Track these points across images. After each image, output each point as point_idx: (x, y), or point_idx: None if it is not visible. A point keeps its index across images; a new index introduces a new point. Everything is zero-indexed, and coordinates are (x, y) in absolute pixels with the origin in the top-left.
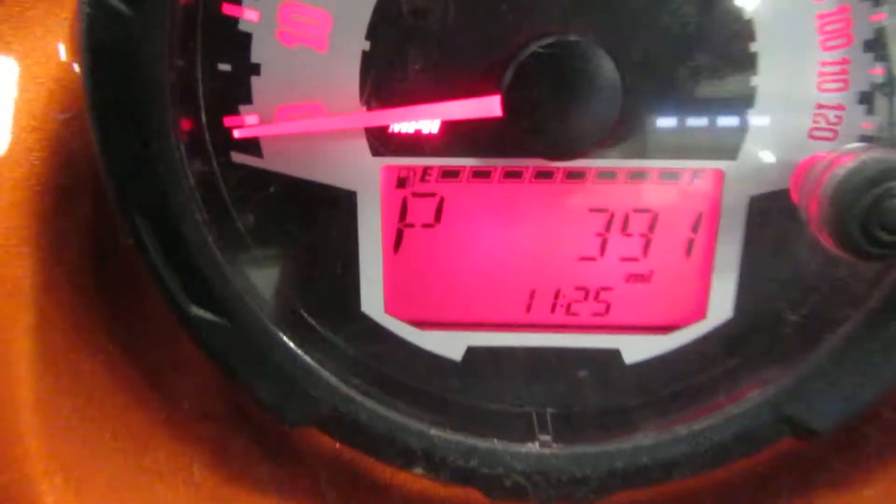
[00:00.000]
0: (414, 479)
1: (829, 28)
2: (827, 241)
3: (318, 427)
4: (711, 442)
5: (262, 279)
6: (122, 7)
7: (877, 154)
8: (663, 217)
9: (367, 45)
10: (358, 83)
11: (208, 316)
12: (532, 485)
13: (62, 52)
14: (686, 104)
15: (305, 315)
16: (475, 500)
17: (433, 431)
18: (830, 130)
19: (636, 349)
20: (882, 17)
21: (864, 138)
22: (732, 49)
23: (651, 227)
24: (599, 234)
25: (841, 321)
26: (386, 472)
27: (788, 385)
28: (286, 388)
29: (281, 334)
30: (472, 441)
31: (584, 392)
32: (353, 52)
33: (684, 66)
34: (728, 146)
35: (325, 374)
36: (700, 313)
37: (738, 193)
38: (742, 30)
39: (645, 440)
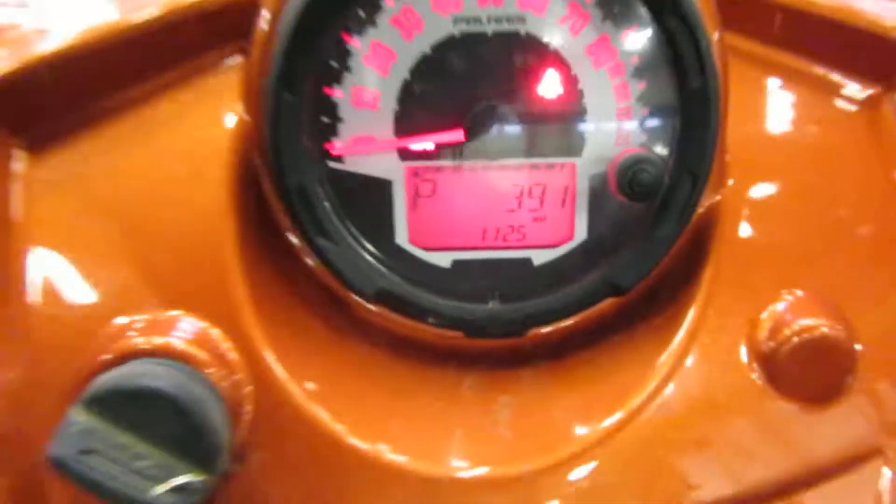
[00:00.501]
0: (426, 328)
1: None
2: (620, 196)
3: (377, 299)
4: (572, 299)
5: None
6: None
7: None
8: (549, 188)
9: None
10: (393, 117)
11: (325, 242)
12: (488, 325)
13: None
14: (554, 130)
15: (368, 244)
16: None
17: (439, 300)
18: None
19: (539, 257)
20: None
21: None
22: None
23: (542, 193)
24: (517, 197)
25: (635, 235)
26: (408, 325)
27: (611, 264)
28: (365, 278)
29: (361, 250)
30: (458, 305)
31: (514, 281)
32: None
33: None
34: (577, 148)
35: (383, 269)
36: (570, 236)
37: (584, 174)
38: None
39: (541, 302)
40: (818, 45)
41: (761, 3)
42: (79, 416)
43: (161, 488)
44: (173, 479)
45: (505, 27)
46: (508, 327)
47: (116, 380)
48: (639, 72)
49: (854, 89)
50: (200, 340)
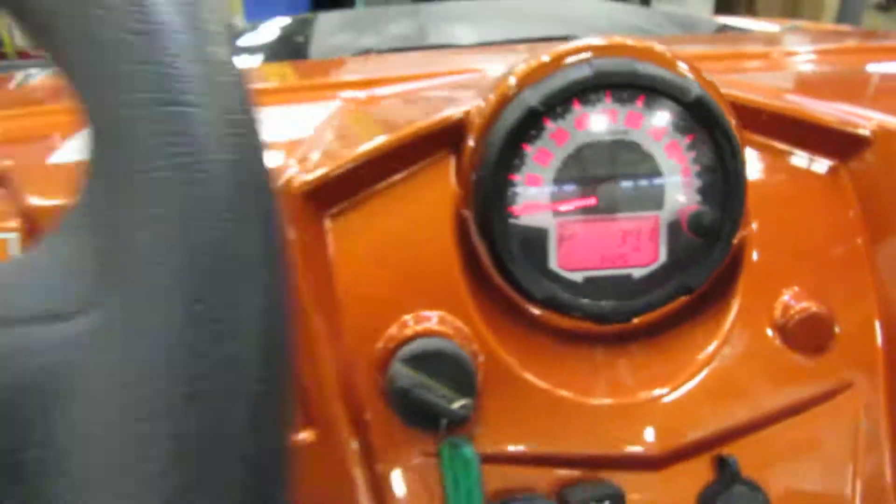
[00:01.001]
0: (571, 320)
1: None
2: (688, 232)
3: (543, 303)
4: (661, 298)
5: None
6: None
7: None
8: (643, 230)
9: None
10: (550, 192)
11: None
12: (611, 316)
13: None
14: (645, 195)
15: (534, 268)
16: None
17: (580, 301)
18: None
19: (637, 273)
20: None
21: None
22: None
23: (638, 233)
24: (623, 236)
25: (698, 256)
26: (560, 319)
27: (683, 274)
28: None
29: (530, 272)
30: (591, 303)
31: (622, 288)
32: None
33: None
34: (659, 204)
35: (545, 284)
36: (656, 259)
37: (664, 221)
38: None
39: (641, 301)
40: (780, 131)
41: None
42: (401, 369)
43: (456, 404)
44: (459, 401)
45: (617, 137)
46: (621, 317)
47: (420, 346)
48: (696, 159)
49: (817, 161)
50: (447, 325)
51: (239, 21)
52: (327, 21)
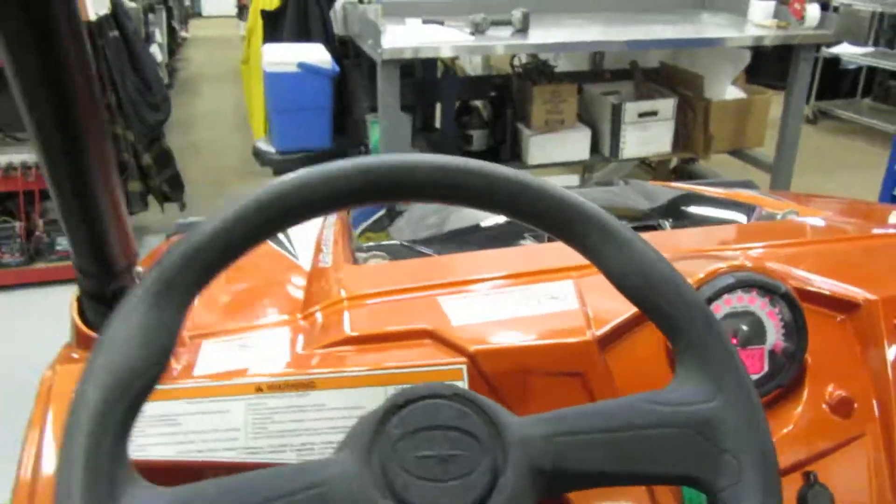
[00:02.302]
0: None
1: None
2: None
3: None
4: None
5: None
6: None
7: None
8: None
9: None
10: None
11: None
12: None
13: None
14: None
15: None
16: None
17: None
18: None
19: None
20: None
21: None
22: None
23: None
24: None
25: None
26: None
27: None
28: None
29: None
30: None
31: None
32: None
33: None
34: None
35: None
36: (761, 370)
37: None
38: None
39: None
40: (813, 298)
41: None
42: None
43: None
44: None
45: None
46: None
47: None
48: (781, 318)
49: (837, 316)
50: None
51: (263, 144)
52: None
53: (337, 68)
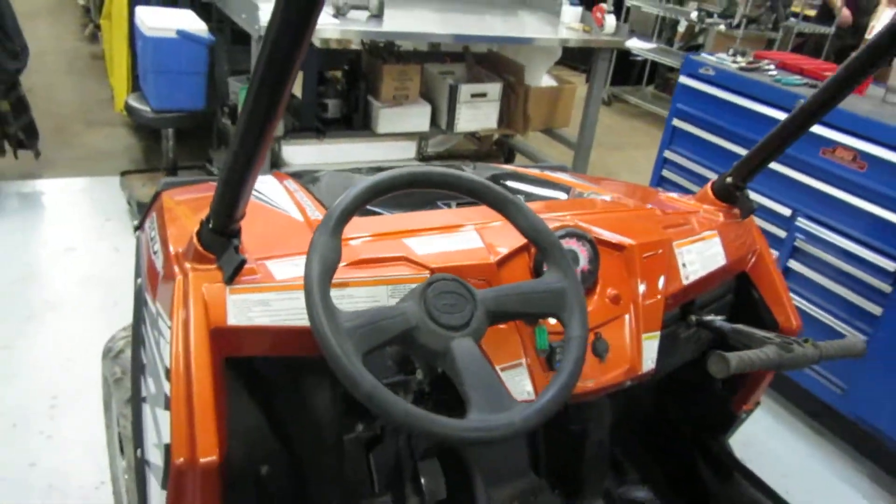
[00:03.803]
0: None
1: None
2: None
3: None
4: None
5: None
6: None
7: None
8: None
9: None
10: None
11: None
12: None
13: None
14: None
15: None
16: None
17: None
18: None
19: None
20: None
21: None
22: None
23: None
24: None
25: None
26: None
27: None
28: None
29: None
30: None
31: None
32: None
33: None
34: None
35: None
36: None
37: None
38: None
39: None
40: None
41: None
42: None
43: None
44: None
45: None
46: None
47: None
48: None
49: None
50: None
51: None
52: None
53: (212, 38)
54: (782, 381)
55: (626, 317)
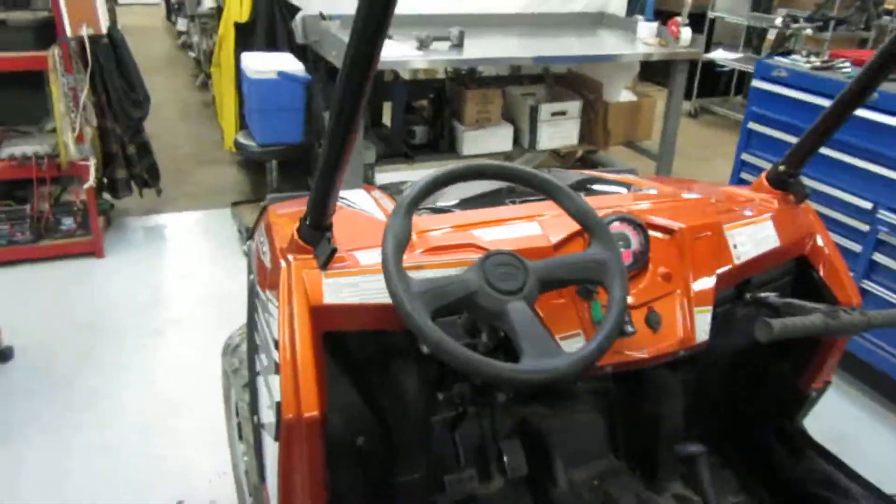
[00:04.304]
0: None
1: None
2: None
3: None
4: None
5: None
6: None
7: None
8: None
9: None
10: None
11: None
12: None
13: None
14: None
15: None
16: None
17: None
18: None
19: None
20: None
21: None
22: None
23: None
24: None
25: None
26: None
27: None
28: None
29: None
30: None
31: None
32: None
33: None
34: None
35: None
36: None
37: None
38: None
39: None
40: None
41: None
42: None
43: None
44: None
45: None
46: None
47: None
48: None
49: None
50: None
51: (243, 138)
52: None
53: (309, 77)
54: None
55: (678, 292)
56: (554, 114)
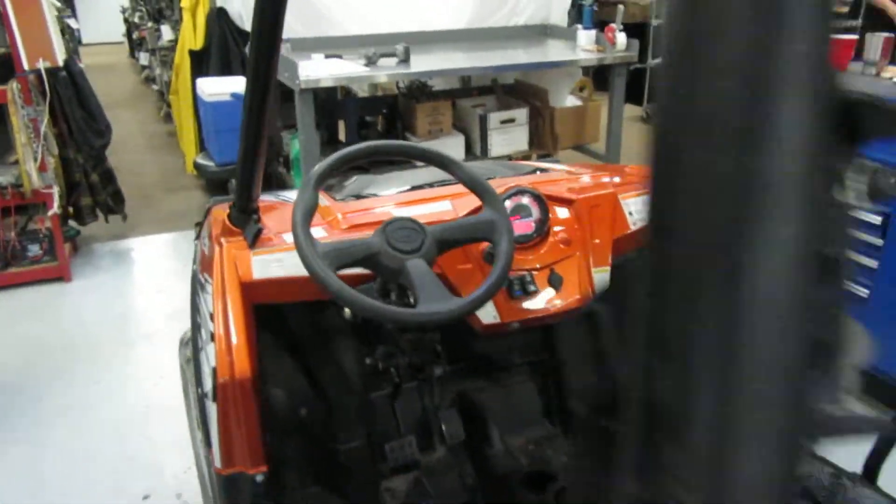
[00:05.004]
0: None
1: None
2: None
3: None
4: None
5: None
6: None
7: None
8: None
9: None
10: None
11: None
12: None
13: None
14: None
15: None
16: None
17: None
18: None
19: None
20: None
21: None
22: None
23: None
24: None
25: None
26: None
27: None
28: None
29: None
30: None
31: None
32: None
33: None
34: None
35: None
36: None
37: None
38: None
39: None
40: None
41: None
42: None
43: None
44: None
45: None
46: None
47: None
48: None
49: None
50: None
51: (202, 160)
52: None
53: None
54: None
55: (577, 255)
56: (503, 122)
